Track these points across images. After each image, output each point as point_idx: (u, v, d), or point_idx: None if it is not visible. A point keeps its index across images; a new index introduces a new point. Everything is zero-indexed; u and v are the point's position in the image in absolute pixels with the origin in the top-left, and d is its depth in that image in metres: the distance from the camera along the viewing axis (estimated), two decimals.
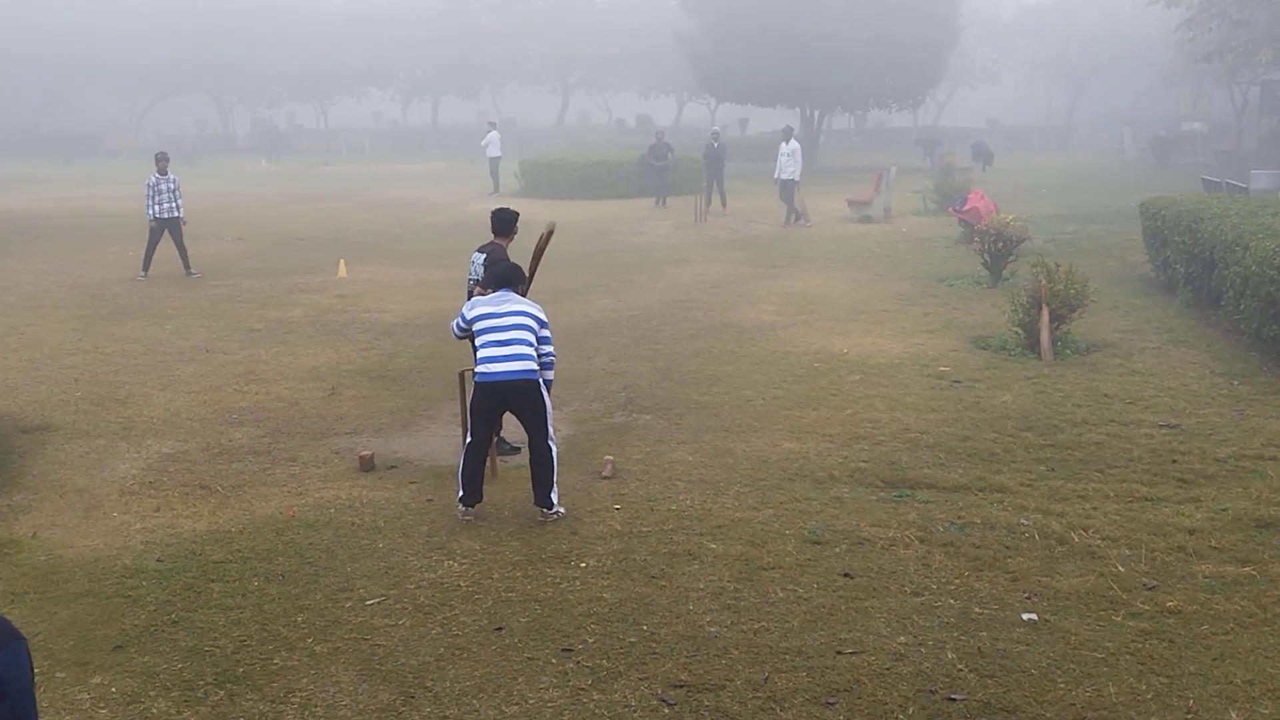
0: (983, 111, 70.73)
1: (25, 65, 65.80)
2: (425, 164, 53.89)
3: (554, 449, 8.20)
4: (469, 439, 8.30)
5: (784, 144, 27.87)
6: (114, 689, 5.83)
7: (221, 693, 5.79)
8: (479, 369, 8.11)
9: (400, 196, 36.10)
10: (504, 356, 8.02)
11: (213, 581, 7.17)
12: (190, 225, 20.40)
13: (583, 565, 7.38)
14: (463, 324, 8.33)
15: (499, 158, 37.93)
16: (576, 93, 75.70)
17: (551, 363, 8.40)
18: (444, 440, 10.20)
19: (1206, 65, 37.96)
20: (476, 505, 8.25)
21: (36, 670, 5.81)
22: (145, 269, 19.54)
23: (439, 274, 19.70)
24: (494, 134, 38.36)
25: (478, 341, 8.17)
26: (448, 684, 5.86)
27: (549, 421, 8.17)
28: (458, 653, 6.20)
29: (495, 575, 7.23)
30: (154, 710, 5.62)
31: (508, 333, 8.07)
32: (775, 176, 28.19)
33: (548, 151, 42.55)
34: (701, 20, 47.31)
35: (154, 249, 19.60)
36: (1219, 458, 9.24)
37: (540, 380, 8.12)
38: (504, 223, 9.58)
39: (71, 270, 20.67)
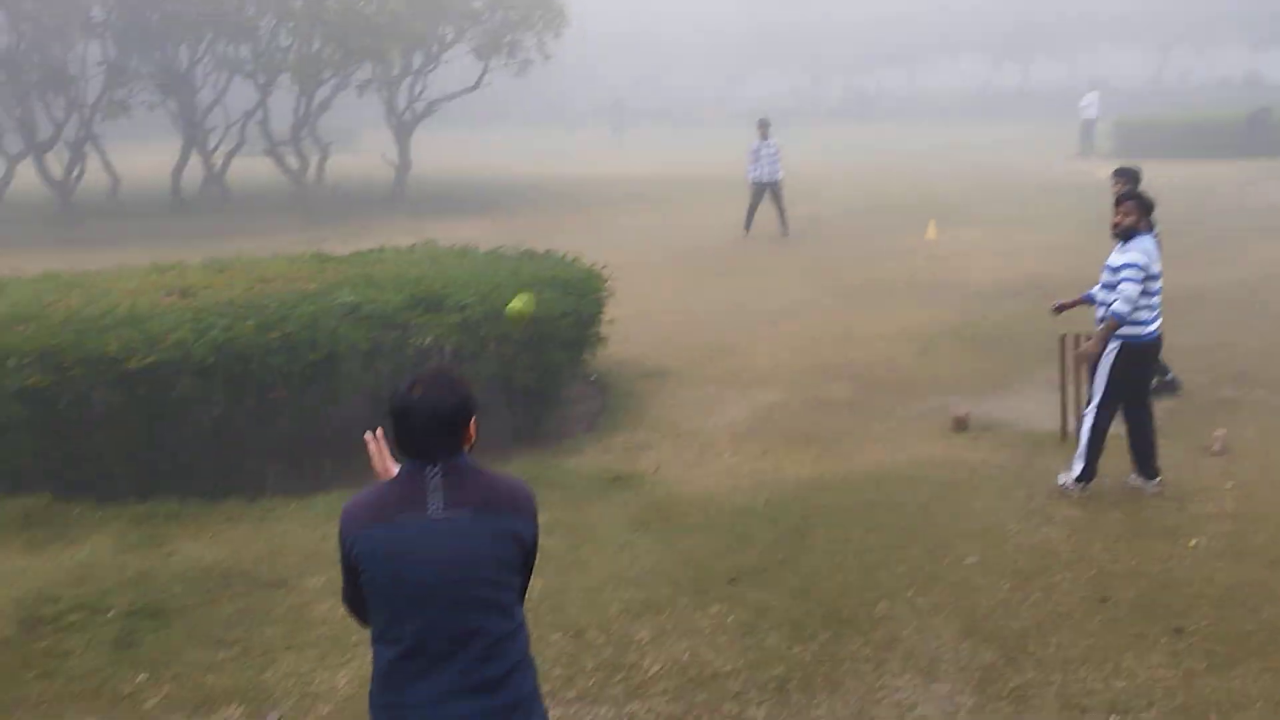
0: None
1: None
2: (1010, 126, 52.58)
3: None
4: (1098, 405, 7.81)
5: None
6: (730, 619, 6.22)
7: (829, 633, 6.03)
8: (1144, 330, 7.68)
9: (984, 159, 35.48)
10: (1158, 317, 7.73)
11: (816, 527, 7.46)
12: (787, 188, 21.08)
13: (1191, 544, 7.01)
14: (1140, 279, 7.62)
15: (1094, 119, 36.71)
16: (1176, 49, 71.16)
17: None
18: (1038, 405, 9.87)
19: None
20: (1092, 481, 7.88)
21: (663, 595, 6.36)
22: (747, 227, 20.55)
23: (1027, 238, 19.22)
24: (1093, 94, 37.50)
25: (1140, 300, 7.61)
26: (1051, 650, 5.78)
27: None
28: (1060, 620, 6.09)
29: (1097, 545, 7.03)
30: (768, 642, 5.96)
31: (1159, 294, 7.72)
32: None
33: (1142, 112, 40.72)
34: None
35: (754, 209, 20.56)
36: None
37: None
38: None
39: (674, 227, 22.11)
